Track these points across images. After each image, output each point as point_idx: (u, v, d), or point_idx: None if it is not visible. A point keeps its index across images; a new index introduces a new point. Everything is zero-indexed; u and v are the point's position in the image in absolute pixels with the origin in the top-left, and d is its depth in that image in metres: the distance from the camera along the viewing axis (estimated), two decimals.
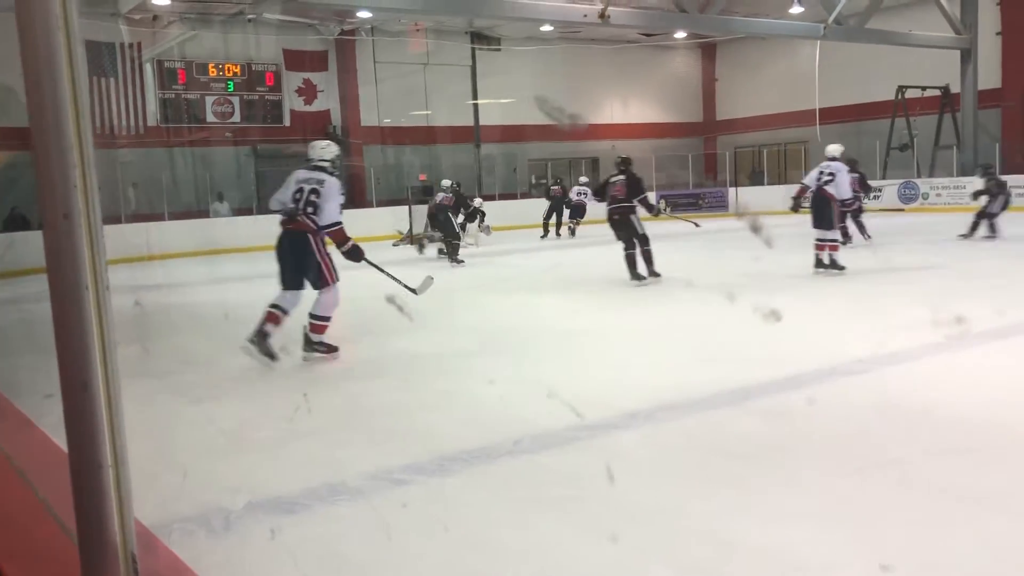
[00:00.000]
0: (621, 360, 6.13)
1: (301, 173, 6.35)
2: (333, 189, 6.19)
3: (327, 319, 6.29)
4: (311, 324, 6.30)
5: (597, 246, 16.78)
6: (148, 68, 21.39)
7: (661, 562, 2.85)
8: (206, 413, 5.11)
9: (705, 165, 29.76)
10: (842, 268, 9.70)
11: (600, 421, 4.46)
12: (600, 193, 10.43)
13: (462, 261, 13.59)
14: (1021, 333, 6.22)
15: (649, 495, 3.44)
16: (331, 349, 6.40)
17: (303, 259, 6.13)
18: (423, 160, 24.29)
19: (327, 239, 6.23)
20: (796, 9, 21.24)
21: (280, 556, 3.05)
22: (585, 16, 15.99)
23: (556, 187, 19.73)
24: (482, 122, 26.17)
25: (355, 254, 6.31)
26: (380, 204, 22.13)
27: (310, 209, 6.12)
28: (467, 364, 6.23)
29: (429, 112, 25.09)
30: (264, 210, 20.84)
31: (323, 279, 6.18)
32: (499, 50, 25.54)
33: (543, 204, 19.96)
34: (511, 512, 3.34)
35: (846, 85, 25.11)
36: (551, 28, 23.59)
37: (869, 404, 4.66)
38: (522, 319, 7.49)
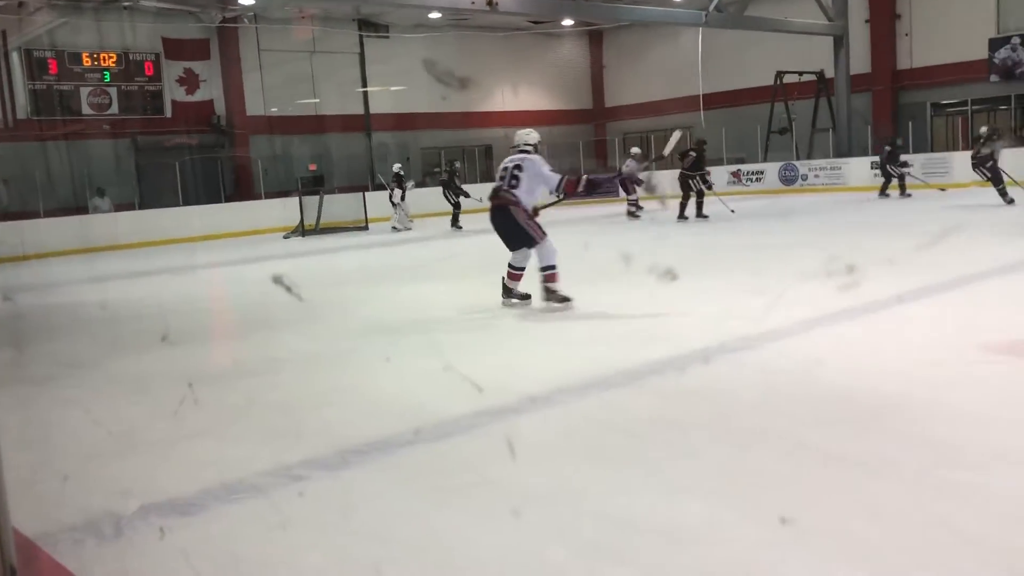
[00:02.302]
0: (518, 345, 6.19)
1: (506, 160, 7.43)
2: (536, 163, 7.21)
3: (552, 267, 7.15)
4: (543, 275, 7.16)
5: (491, 234, 16.83)
6: (15, 57, 20.29)
7: (560, 543, 2.90)
8: (92, 417, 4.91)
9: (596, 151, 30.21)
10: None
11: (499, 406, 4.49)
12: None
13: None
14: (900, 304, 6.54)
15: (548, 477, 3.49)
16: (564, 299, 7.13)
17: (510, 228, 7.20)
18: (313, 150, 23.85)
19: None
20: None
21: (175, 559, 2.97)
22: (473, 3, 15.98)
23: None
24: (373, 110, 25.87)
25: (590, 187, 7.21)
26: (269, 196, 21.64)
27: (513, 183, 7.13)
28: (362, 356, 6.17)
29: (317, 100, 24.64)
30: (146, 204, 20.24)
31: (531, 239, 7.14)
32: (387, 37, 25.27)
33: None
34: (411, 502, 3.34)
35: (728, 71, 25.89)
36: (439, 15, 23.47)
37: (758, 378, 4.84)
38: (418, 309, 7.46)
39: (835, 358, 5.12)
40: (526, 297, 7.34)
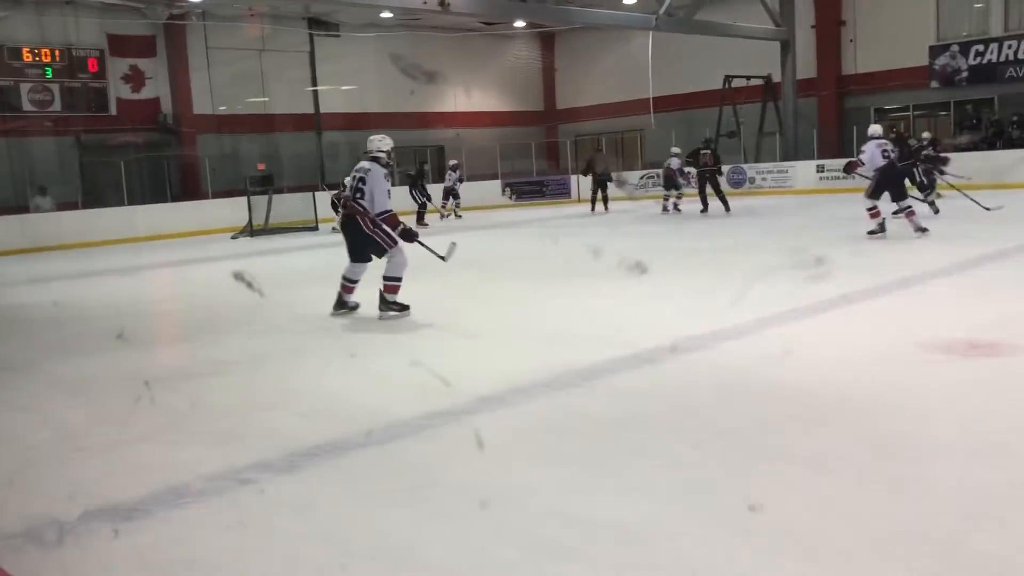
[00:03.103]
0: (471, 346, 6.18)
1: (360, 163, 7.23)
2: (375, 178, 7.00)
3: (398, 280, 7.14)
4: (385, 285, 7.14)
5: (442, 235, 16.82)
6: None
7: (512, 544, 2.90)
8: (32, 421, 4.80)
9: (548, 153, 30.29)
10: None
11: (451, 407, 4.48)
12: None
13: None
14: (846, 304, 6.67)
15: (500, 478, 3.49)
16: (403, 308, 7.17)
17: (359, 238, 7.10)
18: (262, 149, 23.54)
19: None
20: (629, 0, 21.91)
21: (121, 565, 2.91)
22: (425, 3, 15.92)
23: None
24: (324, 109, 25.63)
25: (408, 235, 7.10)
26: (216, 195, 21.30)
27: (358, 194, 7.00)
28: (312, 359, 6.11)
29: (267, 99, 24.35)
30: (90, 203, 19.80)
31: (380, 248, 7.09)
32: (338, 36, 25.04)
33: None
34: (362, 504, 3.32)
35: (678, 75, 26.15)
36: (391, 15, 23.34)
37: (710, 377, 4.90)
38: (367, 310, 7.39)
39: (785, 357, 5.20)
40: (406, 308, 7.27)
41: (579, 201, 24.28)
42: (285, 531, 3.11)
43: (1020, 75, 21.09)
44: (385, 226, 7.03)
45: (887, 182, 10.83)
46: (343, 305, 7.41)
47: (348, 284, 7.37)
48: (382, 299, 7.14)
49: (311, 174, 22.97)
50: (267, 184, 19.32)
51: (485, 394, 4.69)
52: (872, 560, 2.65)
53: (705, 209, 17.19)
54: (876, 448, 3.60)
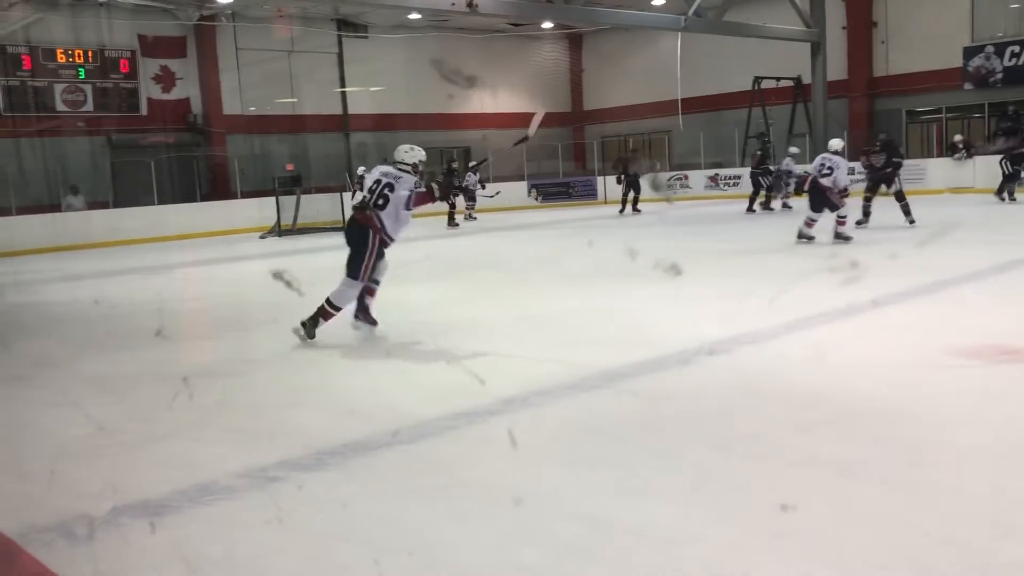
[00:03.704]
0: (493, 348, 6.18)
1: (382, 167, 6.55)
2: (405, 185, 6.27)
3: (337, 309, 6.41)
4: (324, 307, 6.38)
5: (468, 236, 16.85)
6: None
7: (534, 545, 2.90)
8: (64, 417, 4.86)
9: (575, 154, 30.26)
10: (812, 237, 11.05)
11: (476, 408, 4.49)
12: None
13: None
14: (874, 308, 6.61)
15: (523, 479, 3.49)
16: (310, 336, 6.37)
17: (359, 247, 6.36)
18: (291, 149, 23.72)
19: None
20: (658, 1, 21.83)
21: (148, 560, 2.94)
22: (453, 4, 15.96)
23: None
24: (352, 110, 25.77)
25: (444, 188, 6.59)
26: (245, 195, 21.49)
27: (380, 201, 6.28)
28: (336, 358, 6.13)
29: (295, 100, 24.52)
30: (120, 203, 20.04)
31: (356, 271, 6.38)
32: (366, 37, 25.18)
33: None
34: (390, 503, 3.33)
35: (706, 76, 26.01)
36: (419, 16, 23.43)
37: (734, 381, 4.87)
38: (392, 311, 7.41)
39: (810, 361, 5.16)
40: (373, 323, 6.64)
41: (606, 202, 24.24)
42: (314, 528, 3.13)
43: None
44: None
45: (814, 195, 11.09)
46: (316, 325, 6.35)
47: (332, 309, 6.37)
48: (312, 319, 6.33)
49: (339, 175, 23.09)
50: (295, 184, 19.44)
51: (510, 395, 4.69)
52: (901, 568, 2.63)
53: (750, 209, 17.64)
54: (904, 454, 3.57)
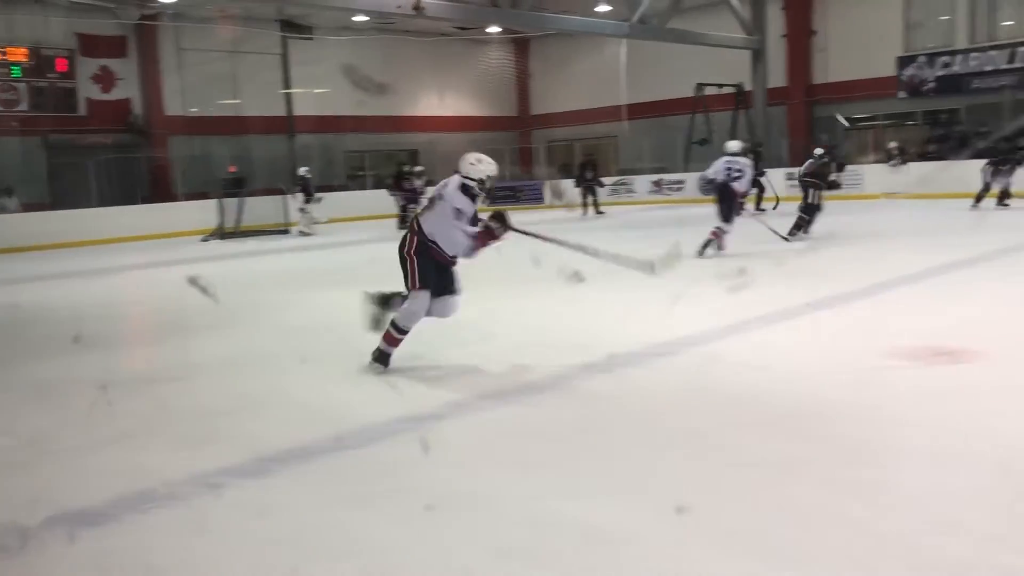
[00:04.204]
0: (439, 352, 6.17)
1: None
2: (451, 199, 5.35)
3: (404, 331, 5.47)
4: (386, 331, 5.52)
5: None
6: None
7: (480, 546, 2.92)
8: None
9: (521, 159, 30.35)
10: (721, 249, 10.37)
11: (421, 412, 4.49)
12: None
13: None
14: (814, 311, 6.75)
15: (469, 482, 3.50)
16: (382, 365, 5.48)
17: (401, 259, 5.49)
18: (234, 151, 23.38)
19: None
20: (603, 8, 22.03)
21: (85, 570, 2.89)
22: (399, 7, 15.90)
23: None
24: (297, 112, 25.51)
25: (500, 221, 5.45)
26: (188, 197, 21.13)
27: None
28: (281, 362, 6.08)
29: (239, 101, 24.19)
30: (58, 204, 19.54)
31: (406, 279, 5.48)
32: (311, 39, 24.94)
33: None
34: (331, 508, 3.31)
35: (651, 82, 26.31)
36: (365, 18, 23.29)
37: (676, 382, 4.94)
38: (336, 315, 7.36)
39: (749, 362, 5.26)
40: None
41: (552, 207, 24.34)
42: (253, 535, 3.10)
43: (985, 87, 21.44)
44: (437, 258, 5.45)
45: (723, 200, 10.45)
46: (386, 355, 5.49)
47: (397, 333, 5.46)
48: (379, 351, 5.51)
49: (283, 177, 22.84)
50: (238, 186, 19.17)
51: (454, 399, 4.71)
52: (844, 566, 2.69)
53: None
54: (845, 453, 3.66)
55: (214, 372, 5.85)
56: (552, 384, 5.01)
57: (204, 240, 17.74)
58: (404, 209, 18.41)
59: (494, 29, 26.78)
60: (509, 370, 5.34)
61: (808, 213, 11.99)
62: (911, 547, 2.78)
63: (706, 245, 10.33)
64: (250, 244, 16.65)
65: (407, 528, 3.10)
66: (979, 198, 15.27)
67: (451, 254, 5.47)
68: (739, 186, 10.29)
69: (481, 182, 5.46)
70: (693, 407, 4.49)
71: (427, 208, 5.50)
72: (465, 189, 5.38)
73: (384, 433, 4.20)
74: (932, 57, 22.22)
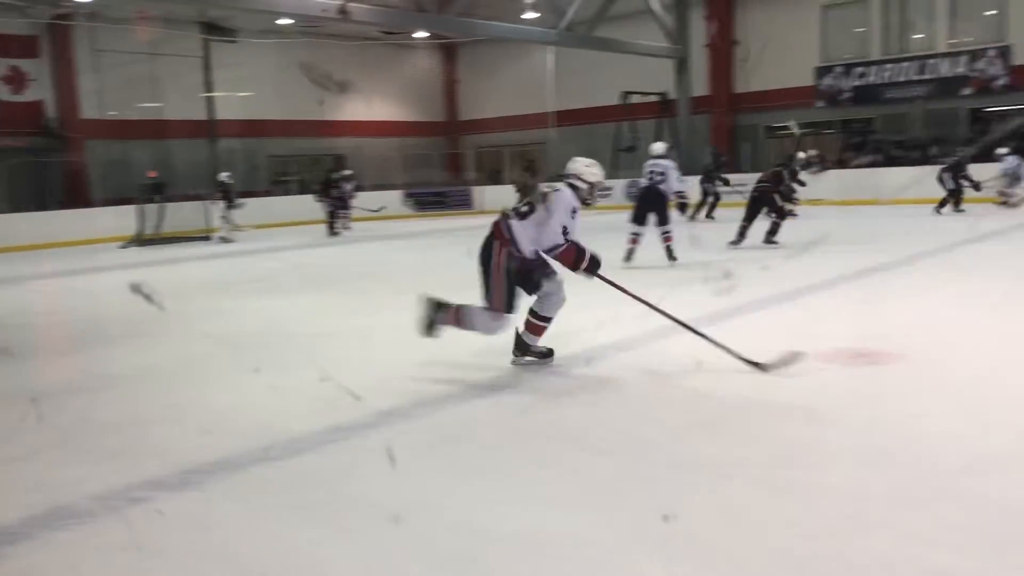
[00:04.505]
0: (370, 360, 6.09)
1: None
2: (562, 203, 5.18)
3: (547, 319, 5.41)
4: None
5: (341, 245, 16.60)
6: None
7: (418, 559, 2.86)
8: None
9: (449, 164, 30.29)
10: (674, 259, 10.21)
11: (354, 422, 4.40)
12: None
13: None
14: (742, 315, 6.86)
15: (407, 493, 3.44)
16: (545, 354, 5.50)
17: (484, 266, 5.30)
18: (154, 156, 22.77)
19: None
20: (530, 15, 22.13)
21: None
22: (324, 11, 15.70)
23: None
24: (220, 116, 24.98)
25: (593, 268, 5.34)
26: (106, 203, 20.49)
27: (525, 210, 5.25)
28: (206, 373, 5.92)
29: (160, 105, 23.58)
30: None
31: (488, 295, 5.27)
32: (235, 42, 24.44)
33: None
34: (262, 522, 3.21)
35: (578, 90, 26.55)
36: (290, 21, 22.93)
37: (613, 387, 4.95)
38: (264, 323, 7.21)
39: (681, 366, 5.31)
40: (547, 354, 5.56)
41: (482, 212, 24.36)
42: (179, 551, 2.99)
43: (899, 97, 22.22)
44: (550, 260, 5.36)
45: (646, 205, 10.38)
46: (526, 349, 5.49)
47: (535, 322, 5.44)
48: (518, 340, 5.48)
49: (205, 182, 22.32)
50: (158, 192, 18.66)
51: (389, 407, 4.63)
52: (777, 566, 2.72)
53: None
54: (772, 454, 3.71)
55: (136, 383, 5.65)
56: (487, 390, 4.97)
57: (123, 247, 17.23)
58: (333, 215, 18.20)
59: (421, 34, 26.66)
60: (440, 377, 5.28)
61: (780, 218, 12.07)
62: (842, 546, 2.82)
63: (670, 253, 10.33)
64: (170, 251, 16.22)
65: (341, 541, 3.02)
66: (942, 203, 16.03)
67: (526, 254, 5.24)
68: (664, 188, 10.26)
69: (592, 187, 5.42)
70: (628, 411, 4.51)
71: (522, 213, 5.24)
72: (577, 192, 5.31)
73: (314, 443, 4.11)
74: (848, 68, 22.94)
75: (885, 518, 3.00)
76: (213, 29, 23.88)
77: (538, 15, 21.88)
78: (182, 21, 23.43)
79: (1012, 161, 16.60)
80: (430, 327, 5.40)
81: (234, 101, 24.81)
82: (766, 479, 3.42)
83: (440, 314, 5.37)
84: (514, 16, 21.90)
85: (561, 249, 5.17)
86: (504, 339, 6.27)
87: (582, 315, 7.32)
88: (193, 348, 6.72)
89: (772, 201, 11.92)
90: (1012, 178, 16.62)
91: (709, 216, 17.35)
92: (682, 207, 16.21)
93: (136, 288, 6.36)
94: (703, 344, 5.80)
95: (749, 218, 11.97)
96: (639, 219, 10.52)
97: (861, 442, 3.83)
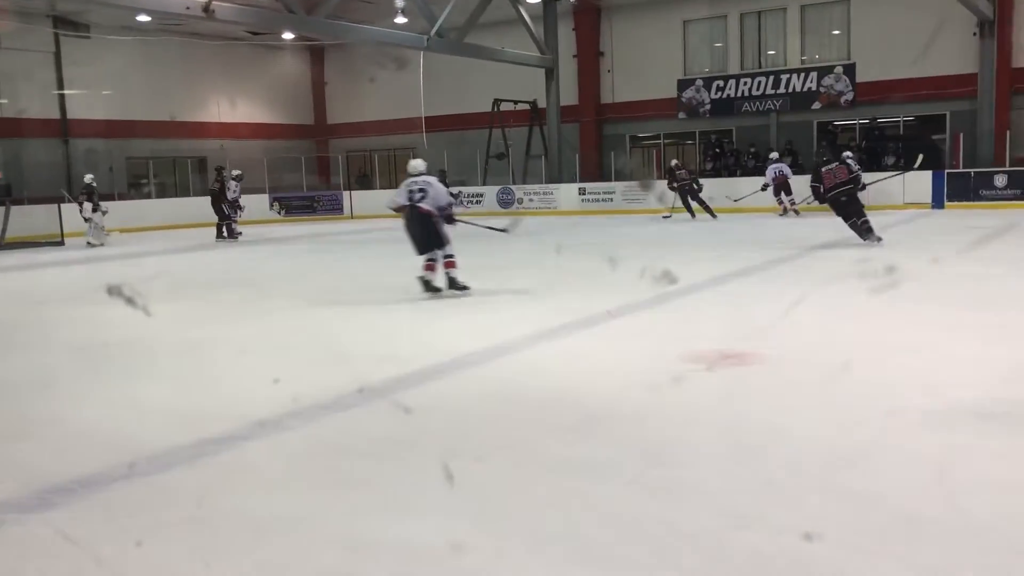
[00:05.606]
0: (243, 369, 5.92)
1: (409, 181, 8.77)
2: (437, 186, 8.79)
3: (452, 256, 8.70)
4: (446, 262, 8.67)
5: (205, 251, 16.06)
6: None
7: (295, 573, 2.81)
8: None
9: (319, 168, 29.76)
10: (465, 288, 8.81)
11: (225, 434, 4.27)
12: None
13: None
14: (612, 319, 7.03)
15: (281, 505, 3.37)
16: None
17: (427, 229, 8.58)
18: (1, 156, 21.43)
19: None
20: (400, 19, 22.01)
21: None
22: (188, 9, 15.16)
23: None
24: (76, 115, 23.73)
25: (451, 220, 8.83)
26: None
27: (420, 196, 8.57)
28: (64, 385, 5.61)
29: (5, 102, 22.20)
30: None
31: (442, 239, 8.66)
32: (88, 38, 23.28)
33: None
34: (129, 540, 3.07)
35: (449, 96, 26.57)
36: (149, 19, 22.02)
37: (487, 393, 4.99)
38: (128, 331, 6.90)
39: (555, 369, 5.41)
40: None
41: (352, 217, 24.07)
42: (38, 574, 2.83)
43: (754, 109, 23.33)
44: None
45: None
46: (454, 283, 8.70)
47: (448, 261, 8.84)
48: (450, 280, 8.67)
49: (57, 184, 21.15)
50: (4, 194, 17.58)
51: (261, 418, 4.51)
52: (654, 564, 2.80)
53: (693, 216, 18.60)
54: (647, 454, 3.82)
55: None
56: (364, 399, 4.91)
57: None
58: (226, 218, 17.64)
59: (288, 36, 26.10)
60: (317, 386, 5.19)
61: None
62: (717, 542, 2.93)
63: (452, 284, 8.80)
64: (19, 257, 15.29)
65: (215, 558, 2.93)
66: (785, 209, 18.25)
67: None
68: (424, 206, 8.66)
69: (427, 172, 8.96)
70: (503, 416, 4.55)
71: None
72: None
73: (186, 457, 3.96)
74: (708, 81, 23.91)
75: (760, 514, 3.13)
76: (65, 24, 22.68)
77: (407, 20, 21.80)
78: (30, 14, 22.16)
79: (772, 171, 18.69)
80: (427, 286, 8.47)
81: (94, 100, 23.64)
82: (640, 479, 3.52)
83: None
84: (384, 20, 21.73)
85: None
86: (372, 352, 6.23)
87: (456, 321, 7.37)
88: (51, 358, 6.37)
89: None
90: (777, 186, 18.58)
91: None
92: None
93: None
94: (575, 348, 5.95)
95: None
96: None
97: (730, 440, 3.98)
